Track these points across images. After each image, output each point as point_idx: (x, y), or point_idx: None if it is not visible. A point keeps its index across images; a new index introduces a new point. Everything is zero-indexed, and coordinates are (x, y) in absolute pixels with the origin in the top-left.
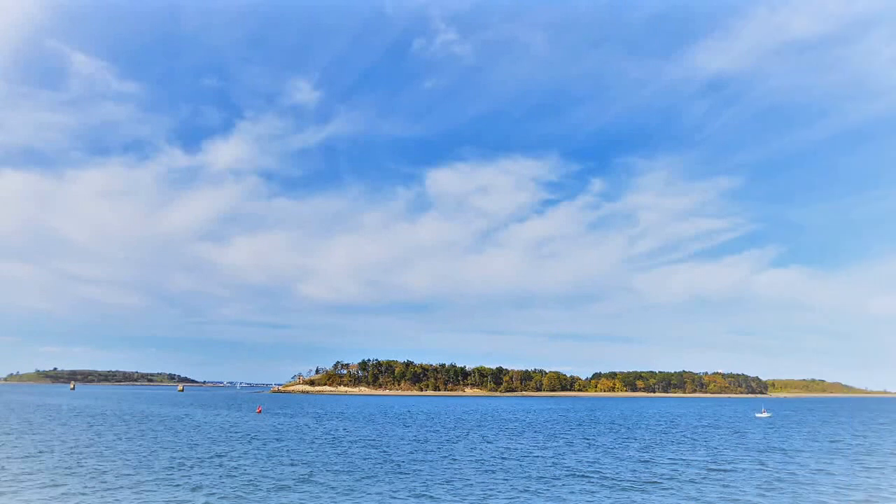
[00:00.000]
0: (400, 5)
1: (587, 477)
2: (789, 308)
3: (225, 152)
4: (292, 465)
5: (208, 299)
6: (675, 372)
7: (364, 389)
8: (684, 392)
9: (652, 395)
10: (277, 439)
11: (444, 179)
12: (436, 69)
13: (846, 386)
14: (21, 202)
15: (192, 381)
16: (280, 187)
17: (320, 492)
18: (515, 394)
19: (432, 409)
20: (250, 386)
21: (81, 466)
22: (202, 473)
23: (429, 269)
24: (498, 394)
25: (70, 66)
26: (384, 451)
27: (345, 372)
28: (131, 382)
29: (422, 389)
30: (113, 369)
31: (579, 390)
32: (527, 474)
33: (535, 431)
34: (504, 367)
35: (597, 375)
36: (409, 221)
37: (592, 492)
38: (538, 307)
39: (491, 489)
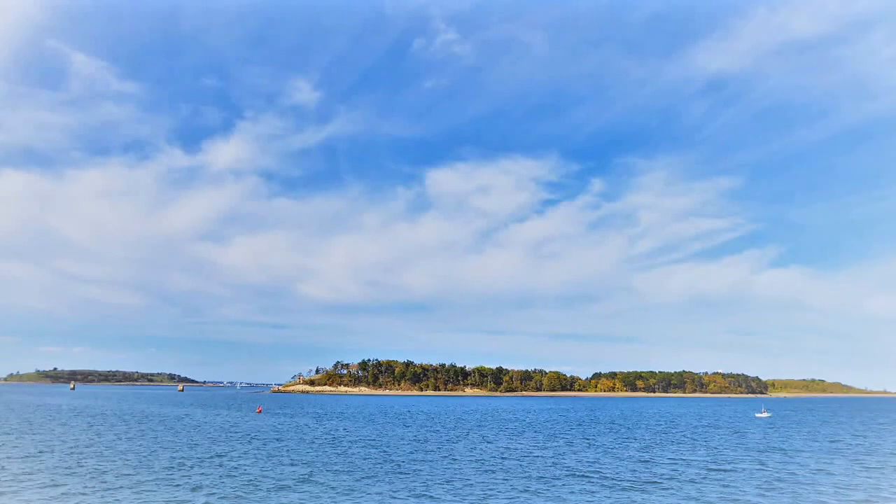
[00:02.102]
0: (400, 5)
1: (587, 477)
2: (789, 308)
3: (225, 152)
4: (292, 465)
5: (208, 299)
6: (675, 372)
7: (364, 389)
8: (684, 392)
9: (652, 395)
10: (277, 439)
11: (444, 179)
12: (436, 69)
13: (846, 386)
14: (21, 202)
15: (192, 381)
16: (280, 187)
17: (320, 492)
18: (515, 394)
19: (432, 409)
20: (250, 386)
21: (81, 466)
22: (202, 473)
23: (429, 269)
24: (498, 394)
25: (70, 66)
26: (384, 451)
27: (345, 372)
28: (131, 382)
29: (422, 389)
30: (113, 369)
31: (579, 390)
32: (527, 474)
33: (535, 431)
34: (504, 367)
35: (597, 375)
36: (409, 221)
37: (592, 492)
38: (538, 307)
39: (491, 489)
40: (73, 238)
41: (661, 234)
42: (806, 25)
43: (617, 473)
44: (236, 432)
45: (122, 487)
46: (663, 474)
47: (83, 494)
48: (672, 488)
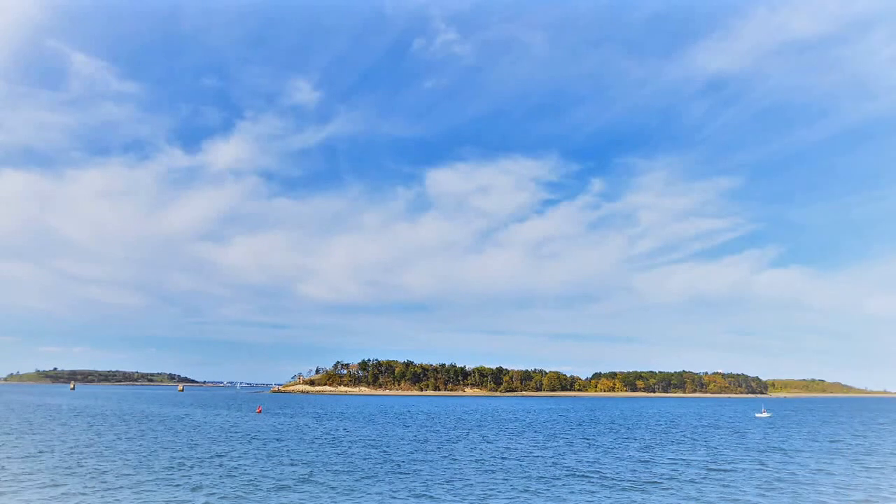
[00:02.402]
0: (400, 5)
1: (587, 477)
2: (789, 308)
3: (225, 152)
4: (292, 465)
5: (208, 299)
6: (675, 372)
7: (364, 389)
8: (684, 392)
9: (652, 395)
10: (277, 439)
11: (444, 179)
12: (436, 69)
13: (846, 386)
14: (21, 202)
15: (192, 381)
16: (280, 187)
17: (320, 492)
18: (515, 394)
19: (432, 409)
20: (250, 386)
21: (81, 466)
22: (202, 473)
23: (429, 269)
24: (498, 394)
25: (70, 66)
26: (384, 451)
27: (345, 372)
28: (131, 382)
29: (422, 389)
30: (113, 369)
31: (579, 390)
32: (527, 474)
33: (535, 431)
34: (504, 367)
35: (597, 375)
36: (409, 221)
37: (592, 492)
38: (538, 307)
39: (491, 489)
40: (73, 238)
41: (661, 234)
42: (806, 25)
43: (617, 473)
44: (236, 432)
45: (122, 487)
46: (663, 474)
47: (83, 494)
48: (672, 488)
